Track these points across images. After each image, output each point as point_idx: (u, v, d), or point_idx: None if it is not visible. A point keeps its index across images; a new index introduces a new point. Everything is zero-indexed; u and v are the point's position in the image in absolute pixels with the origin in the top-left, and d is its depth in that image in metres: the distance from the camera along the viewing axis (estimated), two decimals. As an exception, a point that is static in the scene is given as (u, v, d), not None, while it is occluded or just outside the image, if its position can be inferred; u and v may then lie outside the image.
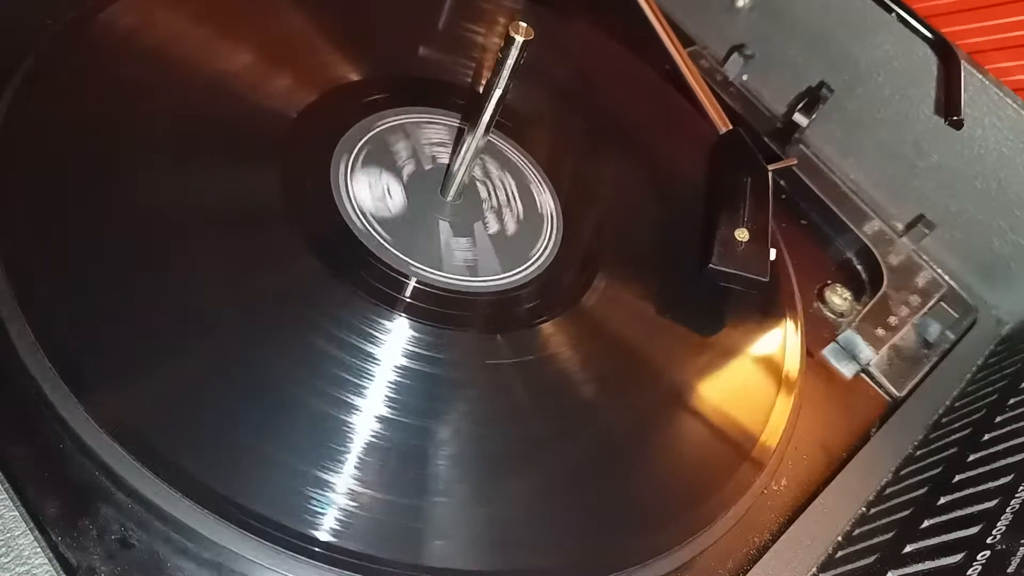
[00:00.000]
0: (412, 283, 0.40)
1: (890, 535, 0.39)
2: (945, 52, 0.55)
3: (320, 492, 0.32)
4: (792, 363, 0.46)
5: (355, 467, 0.33)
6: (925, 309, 0.55)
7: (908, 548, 0.37)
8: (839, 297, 0.54)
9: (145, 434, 0.31)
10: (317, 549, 0.31)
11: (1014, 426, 0.42)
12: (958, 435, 0.45)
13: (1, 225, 0.34)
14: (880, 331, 0.52)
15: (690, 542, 0.37)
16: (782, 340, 0.47)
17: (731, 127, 0.55)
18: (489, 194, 0.47)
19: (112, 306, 0.34)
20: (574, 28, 0.62)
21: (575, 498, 0.37)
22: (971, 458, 0.41)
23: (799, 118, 0.60)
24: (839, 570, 0.39)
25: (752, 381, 0.45)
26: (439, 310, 0.40)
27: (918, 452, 0.46)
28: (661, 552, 0.36)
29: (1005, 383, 0.48)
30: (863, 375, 0.51)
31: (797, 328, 0.48)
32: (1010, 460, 0.39)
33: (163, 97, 0.42)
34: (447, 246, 0.43)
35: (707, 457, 0.41)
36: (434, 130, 0.48)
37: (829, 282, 0.55)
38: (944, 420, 0.49)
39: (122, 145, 0.39)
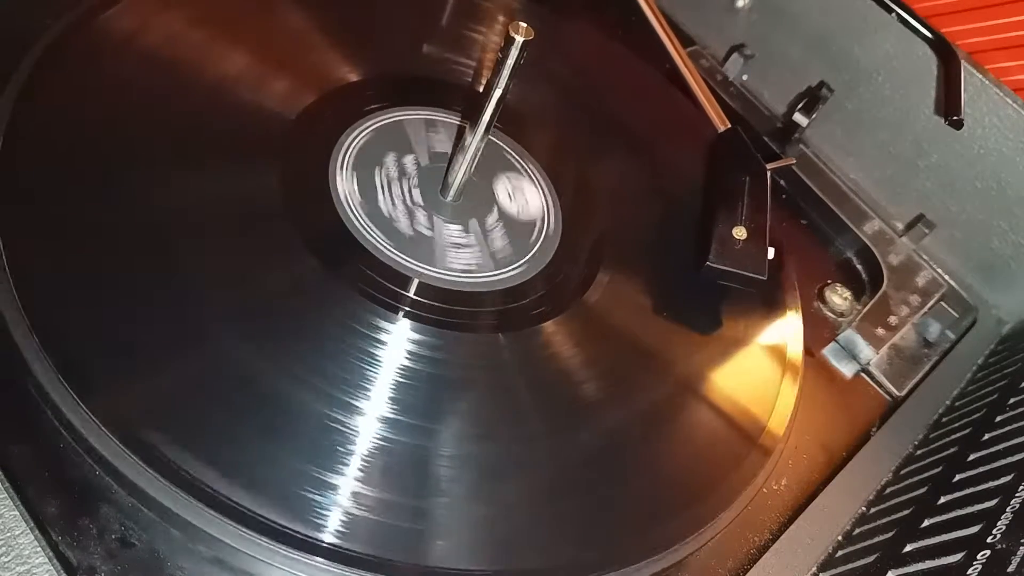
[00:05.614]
0: (413, 283, 0.40)
1: (890, 534, 0.39)
2: (945, 52, 0.55)
3: (321, 491, 0.32)
4: (792, 363, 0.46)
5: (355, 466, 0.33)
6: (925, 309, 0.55)
7: (908, 547, 0.37)
8: (839, 297, 0.54)
9: (146, 433, 0.31)
10: (318, 546, 0.31)
11: (1014, 426, 0.42)
12: (958, 435, 0.45)
13: (3, 224, 0.34)
14: (880, 331, 0.52)
15: (690, 540, 0.37)
16: (782, 339, 0.47)
17: (729, 126, 0.55)
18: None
19: (113, 305, 0.34)
20: (574, 28, 0.62)
21: (575, 497, 0.37)
22: (971, 457, 0.41)
23: (799, 118, 0.60)
24: (839, 569, 0.39)
25: (752, 380, 0.45)
26: (440, 309, 0.40)
27: (918, 452, 0.46)
28: (661, 550, 0.36)
29: (1005, 383, 0.48)
30: (863, 375, 0.51)
31: (797, 327, 0.48)
32: (1010, 459, 0.39)
33: (163, 98, 0.42)
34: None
35: (707, 456, 0.41)
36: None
37: (829, 282, 0.55)
38: (944, 420, 0.49)
39: (123, 146, 0.39)
